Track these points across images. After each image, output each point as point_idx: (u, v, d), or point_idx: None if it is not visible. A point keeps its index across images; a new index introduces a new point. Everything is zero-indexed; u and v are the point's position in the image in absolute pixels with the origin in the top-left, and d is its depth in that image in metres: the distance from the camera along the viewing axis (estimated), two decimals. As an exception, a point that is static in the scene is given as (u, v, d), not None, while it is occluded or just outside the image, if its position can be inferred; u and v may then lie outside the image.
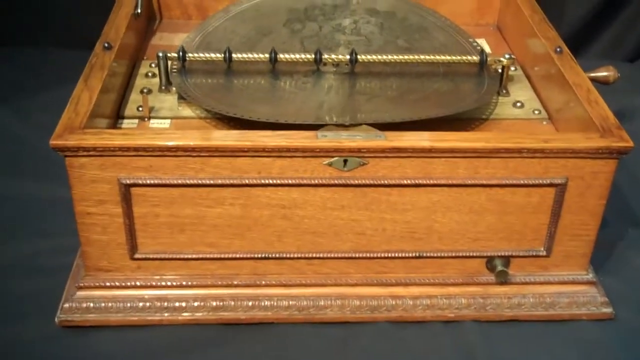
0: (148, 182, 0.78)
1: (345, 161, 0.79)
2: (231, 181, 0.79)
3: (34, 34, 1.39)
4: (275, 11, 1.09)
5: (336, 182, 0.80)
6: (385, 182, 0.80)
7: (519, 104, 0.97)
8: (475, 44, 1.04)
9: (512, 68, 1.02)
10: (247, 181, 0.79)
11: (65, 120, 0.78)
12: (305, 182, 0.80)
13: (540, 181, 0.81)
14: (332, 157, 0.78)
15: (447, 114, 0.88)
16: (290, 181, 0.79)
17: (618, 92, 1.18)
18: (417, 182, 0.80)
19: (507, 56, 0.97)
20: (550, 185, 0.81)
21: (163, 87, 0.96)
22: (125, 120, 0.91)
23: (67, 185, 0.78)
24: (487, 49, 1.11)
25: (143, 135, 0.77)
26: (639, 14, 1.39)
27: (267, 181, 0.79)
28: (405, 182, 0.80)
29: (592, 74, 1.07)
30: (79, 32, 1.34)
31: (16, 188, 1.05)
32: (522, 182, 0.81)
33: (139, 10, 1.04)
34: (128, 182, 0.78)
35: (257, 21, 1.07)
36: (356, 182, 0.80)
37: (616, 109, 1.22)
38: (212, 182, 0.79)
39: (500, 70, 0.97)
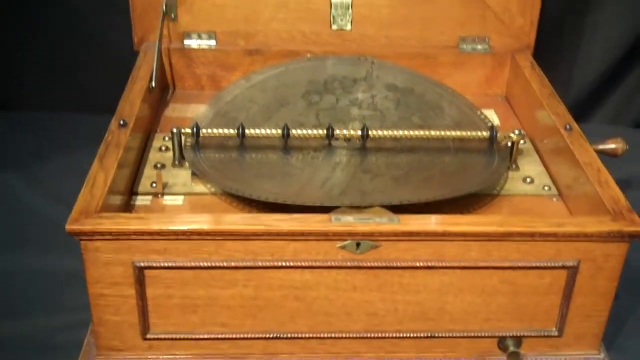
0: (162, 264, 0.79)
1: (358, 244, 0.79)
2: (244, 263, 0.79)
3: (49, 98, 1.40)
4: (295, 82, 1.11)
5: (349, 264, 0.80)
6: (398, 264, 0.80)
7: (528, 180, 0.98)
8: (483, 117, 1.05)
9: (522, 141, 1.03)
10: (260, 263, 0.79)
11: (81, 203, 0.79)
12: (318, 264, 0.80)
13: (553, 264, 0.81)
14: (345, 240, 0.79)
15: (455, 195, 0.88)
16: (303, 263, 0.80)
17: (624, 158, 1.18)
18: (429, 264, 0.81)
19: (516, 132, 0.98)
20: (563, 267, 0.82)
21: (176, 162, 0.98)
22: (139, 197, 0.92)
23: (79, 258, 0.78)
24: (496, 121, 1.13)
25: (158, 219, 0.78)
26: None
27: (280, 263, 0.80)
28: (417, 264, 0.81)
29: (601, 146, 1.08)
30: (94, 96, 1.36)
31: (26, 260, 1.05)
32: (534, 264, 0.81)
33: (153, 84, 1.05)
34: (142, 264, 0.78)
35: (277, 91, 1.09)
36: (369, 264, 0.80)
37: (622, 177, 1.23)
38: (225, 264, 0.79)
39: (510, 145, 0.99)
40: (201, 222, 0.78)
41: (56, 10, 1.31)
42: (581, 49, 1.38)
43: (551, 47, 1.33)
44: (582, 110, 1.43)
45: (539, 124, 1.05)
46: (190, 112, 1.12)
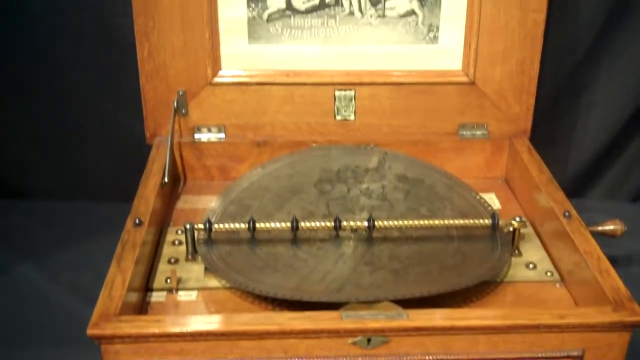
0: (180, 364, 0.81)
1: (369, 340, 0.82)
2: (259, 361, 0.82)
3: (62, 187, 1.44)
4: (309, 170, 1.15)
5: (360, 359, 0.83)
6: (407, 358, 0.83)
7: (531, 266, 1.01)
8: (490, 208, 1.08)
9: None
10: (274, 361, 0.82)
11: (101, 307, 0.82)
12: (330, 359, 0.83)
13: (558, 354, 0.84)
14: (357, 336, 0.81)
15: (455, 289, 0.91)
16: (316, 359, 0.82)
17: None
18: (438, 357, 0.83)
19: (517, 219, 1.01)
20: (567, 357, 0.84)
21: (190, 257, 1.01)
22: (154, 293, 0.95)
23: (97, 353, 0.80)
24: (497, 204, 1.16)
25: (175, 322, 0.81)
26: (637, 157, 1.45)
27: (293, 360, 0.82)
28: (426, 357, 0.83)
29: (600, 228, 1.12)
30: (109, 185, 1.40)
31: (43, 355, 1.07)
32: (539, 355, 0.84)
33: (166, 180, 1.09)
34: (161, 365, 0.81)
35: (291, 179, 1.13)
36: (379, 359, 0.83)
37: (622, 253, 1.26)
38: (240, 362, 0.82)
39: (511, 230, 1.02)
40: (215, 323, 0.80)
41: (71, 100, 1.35)
42: (577, 127, 1.41)
43: (548, 126, 1.38)
44: (580, 186, 1.46)
45: (538, 209, 1.09)
46: (201, 203, 1.15)
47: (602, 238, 1.04)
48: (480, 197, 1.11)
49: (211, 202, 1.09)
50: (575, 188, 1.45)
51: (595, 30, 1.31)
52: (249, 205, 1.08)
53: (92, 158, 1.41)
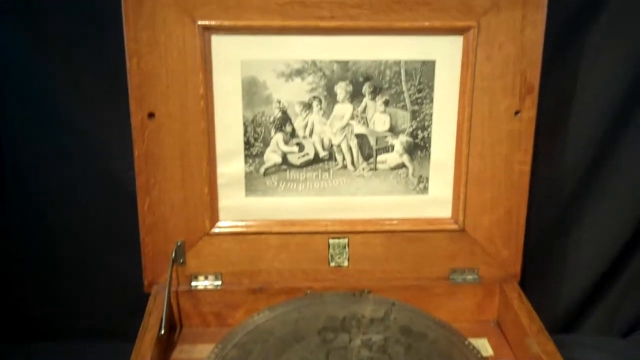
0: None
1: None
2: None
3: (57, 329, 1.44)
4: (316, 316, 1.15)
5: None
6: None
7: (527, 418, 1.01)
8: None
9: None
10: None
11: None
12: None
13: None
14: None
15: None
16: None
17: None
18: None
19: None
20: None
21: (187, 414, 1.01)
22: None
23: None
24: (490, 351, 1.17)
25: None
26: (626, 293, 1.47)
27: None
28: None
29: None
30: (101, 324, 1.41)
31: None
32: None
33: (162, 332, 1.10)
34: None
35: (297, 324, 1.14)
36: None
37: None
38: None
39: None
40: None
41: (63, 238, 1.38)
42: (566, 265, 1.44)
43: (538, 264, 1.40)
44: (571, 322, 1.48)
45: (530, 358, 1.10)
46: (197, 352, 1.16)
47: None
48: (481, 355, 1.11)
49: (214, 345, 1.09)
50: (567, 323, 1.46)
51: (580, 173, 1.37)
52: (251, 350, 1.08)
53: (87, 296, 1.42)
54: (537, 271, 1.40)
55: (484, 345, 1.18)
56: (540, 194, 1.34)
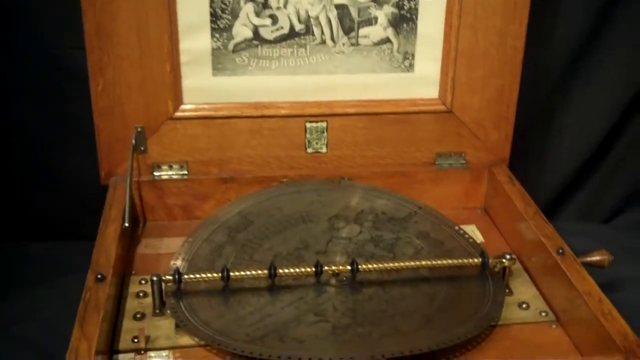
0: None
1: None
2: None
3: (8, 228, 1.33)
4: (333, 202, 1.09)
5: None
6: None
7: (524, 305, 0.95)
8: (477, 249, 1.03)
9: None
10: None
11: (65, 382, 0.73)
12: None
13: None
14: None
15: (448, 345, 0.84)
16: None
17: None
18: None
19: (507, 257, 0.96)
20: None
21: (157, 311, 0.92)
22: (121, 356, 0.86)
23: None
24: (480, 237, 1.11)
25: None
26: (609, 179, 1.44)
27: None
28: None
29: (587, 259, 1.07)
30: (56, 222, 1.32)
31: None
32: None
33: (127, 224, 1.00)
34: None
35: (311, 205, 1.08)
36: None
37: (604, 280, 1.22)
38: None
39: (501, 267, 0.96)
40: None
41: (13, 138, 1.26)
42: (550, 149, 1.40)
43: (521, 150, 1.35)
44: (553, 208, 1.45)
45: (526, 243, 1.04)
46: (164, 247, 1.07)
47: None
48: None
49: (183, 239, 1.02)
50: (548, 210, 1.42)
51: (566, 57, 1.31)
52: (252, 221, 1.04)
53: (39, 196, 1.32)
54: (520, 157, 1.33)
55: (473, 232, 1.12)
56: (527, 77, 1.26)
